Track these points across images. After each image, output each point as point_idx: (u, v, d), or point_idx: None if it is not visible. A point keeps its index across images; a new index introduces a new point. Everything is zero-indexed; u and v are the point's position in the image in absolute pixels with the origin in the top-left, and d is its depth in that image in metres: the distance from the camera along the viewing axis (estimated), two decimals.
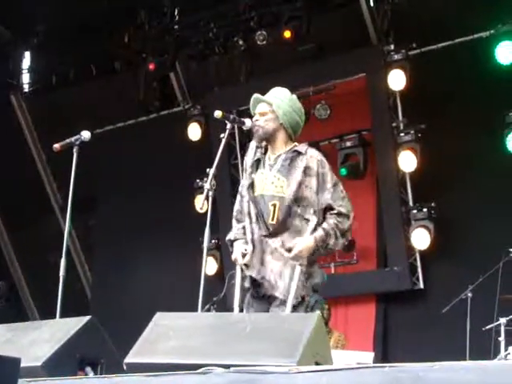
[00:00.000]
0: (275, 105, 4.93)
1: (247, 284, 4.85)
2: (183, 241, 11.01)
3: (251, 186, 4.91)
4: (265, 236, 4.79)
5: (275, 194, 4.82)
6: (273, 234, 4.78)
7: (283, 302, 4.68)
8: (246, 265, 4.80)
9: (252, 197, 4.88)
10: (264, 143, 4.97)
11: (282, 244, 4.76)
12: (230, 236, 5.01)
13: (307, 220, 4.78)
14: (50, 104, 12.41)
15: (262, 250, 4.78)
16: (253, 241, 4.82)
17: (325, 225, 4.78)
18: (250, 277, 4.81)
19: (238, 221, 5.00)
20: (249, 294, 4.88)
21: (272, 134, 4.91)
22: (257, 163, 4.97)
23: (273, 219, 4.79)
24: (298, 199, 4.79)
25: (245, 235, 4.90)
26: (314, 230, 4.76)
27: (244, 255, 4.81)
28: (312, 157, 4.86)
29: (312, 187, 4.80)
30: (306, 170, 4.82)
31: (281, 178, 4.84)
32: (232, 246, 4.96)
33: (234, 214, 5.05)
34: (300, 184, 4.80)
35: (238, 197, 5.06)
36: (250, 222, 4.88)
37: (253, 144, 5.05)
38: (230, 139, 9.84)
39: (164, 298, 9.95)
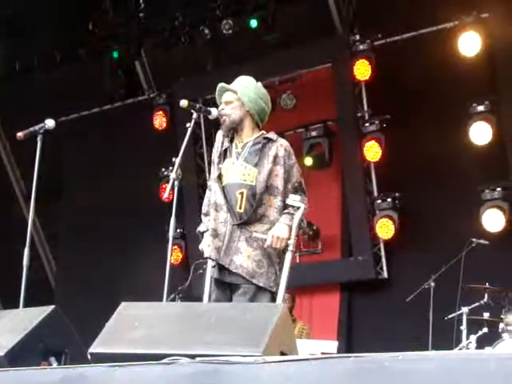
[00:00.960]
0: (240, 92, 4.93)
1: (214, 274, 4.85)
2: (148, 230, 10.97)
3: (219, 176, 4.91)
4: (237, 225, 4.79)
5: (242, 181, 4.83)
6: (245, 222, 4.79)
7: (250, 287, 4.70)
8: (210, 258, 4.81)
9: (220, 187, 4.88)
10: (231, 132, 4.96)
11: (249, 227, 4.78)
12: (201, 228, 5.03)
13: (277, 209, 4.80)
14: (14, 92, 12.25)
15: (235, 239, 4.78)
16: (225, 231, 4.82)
17: (286, 210, 4.83)
18: (218, 264, 4.81)
19: (206, 215, 5.01)
20: (213, 283, 4.88)
21: (239, 122, 4.92)
22: (224, 153, 4.96)
23: (240, 207, 4.80)
24: (268, 188, 4.81)
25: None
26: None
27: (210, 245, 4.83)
28: (282, 146, 4.89)
29: (281, 176, 4.83)
30: (276, 159, 4.84)
31: (248, 166, 4.85)
32: (202, 237, 4.98)
33: (203, 207, 5.06)
34: (270, 172, 4.81)
35: (207, 191, 5.08)
36: (220, 212, 4.87)
37: (219, 135, 5.04)
38: (195, 128, 9.79)
39: (128, 288, 9.89)
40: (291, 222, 4.76)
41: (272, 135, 4.93)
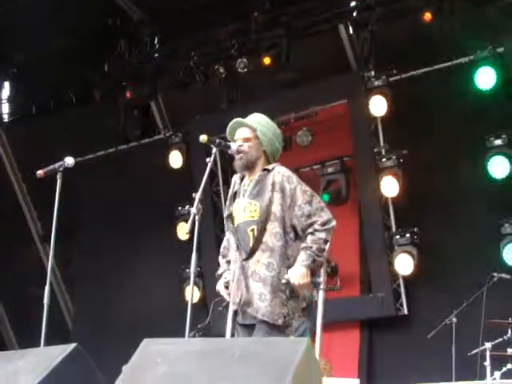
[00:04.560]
0: (260, 131, 4.90)
1: (237, 319, 4.83)
2: (164, 269, 10.96)
3: (229, 217, 4.90)
4: (244, 260, 4.76)
5: (249, 219, 4.81)
6: (250, 255, 4.75)
7: (263, 324, 4.63)
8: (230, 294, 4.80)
9: (232, 227, 4.88)
10: (245, 171, 4.93)
11: (257, 261, 4.72)
12: (219, 271, 5.03)
13: (275, 235, 4.74)
14: (30, 133, 12.34)
15: (245, 276, 4.74)
16: (235, 269, 4.79)
17: (302, 244, 4.72)
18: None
19: (224, 256, 5.02)
20: (235, 322, 4.84)
21: (254, 161, 4.90)
22: (235, 194, 4.95)
23: (253, 244, 4.76)
24: (268, 216, 4.75)
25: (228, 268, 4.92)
26: (287, 247, 4.73)
27: (227, 285, 4.83)
28: (279, 172, 4.83)
29: (278, 202, 4.76)
30: (273, 186, 4.79)
31: (253, 202, 4.83)
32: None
33: (221, 250, 5.07)
34: (269, 201, 4.76)
35: (227, 233, 5.06)
36: (232, 251, 4.89)
37: (234, 178, 5.03)
38: (212, 166, 9.79)
39: (147, 327, 9.82)
40: (309, 261, 4.66)
41: (271, 165, 4.89)
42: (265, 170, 4.88)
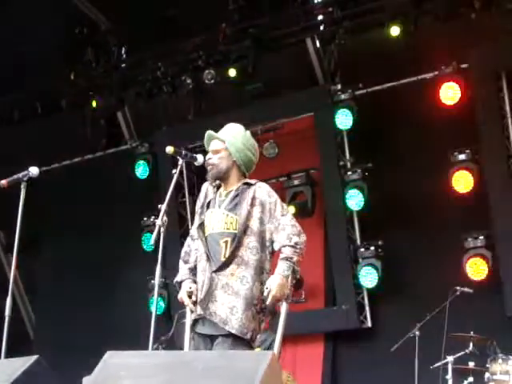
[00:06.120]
0: (228, 142, 4.92)
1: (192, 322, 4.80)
2: (129, 280, 10.90)
3: (201, 226, 4.88)
4: (215, 272, 4.74)
5: (225, 230, 4.80)
6: (222, 267, 4.74)
7: (228, 337, 4.61)
8: (194, 302, 4.76)
9: (202, 237, 4.85)
10: (217, 181, 4.95)
11: (231, 275, 4.71)
12: (178, 278, 4.98)
13: (251, 249, 4.74)
14: None
15: (213, 287, 4.73)
16: (204, 279, 4.77)
17: (282, 255, 4.73)
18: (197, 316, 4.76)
19: (185, 262, 4.98)
20: (193, 332, 4.82)
21: (225, 171, 4.91)
22: (208, 204, 4.95)
23: (224, 256, 4.76)
24: (245, 230, 4.77)
25: (193, 276, 4.88)
26: (264, 261, 4.73)
27: (190, 295, 4.78)
28: (260, 187, 4.87)
29: (256, 217, 4.78)
30: (253, 201, 4.81)
31: (229, 215, 4.82)
32: (180, 287, 4.92)
33: (182, 255, 5.03)
34: (248, 215, 4.78)
35: (188, 238, 5.05)
36: (201, 261, 4.84)
37: (205, 186, 5.03)
38: (178, 177, 9.78)
39: (110, 338, 9.75)
40: (289, 271, 4.67)
41: (252, 180, 4.93)
42: (246, 183, 4.90)
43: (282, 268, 4.69)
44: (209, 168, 4.94)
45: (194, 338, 4.79)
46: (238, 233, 4.75)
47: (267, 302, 4.65)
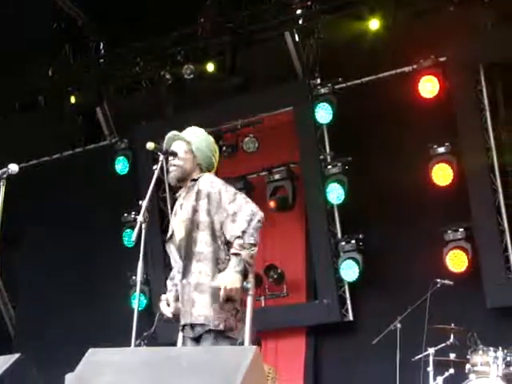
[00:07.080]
0: (195, 145, 4.88)
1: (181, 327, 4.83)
2: (110, 276, 10.87)
3: (171, 238, 4.89)
4: (181, 279, 4.75)
5: (183, 233, 4.81)
6: (185, 269, 4.73)
7: (208, 333, 4.62)
8: (174, 315, 4.80)
9: (169, 249, 4.90)
10: (178, 184, 4.91)
11: (198, 273, 4.68)
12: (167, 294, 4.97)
13: (206, 243, 4.71)
14: None
15: (188, 293, 4.72)
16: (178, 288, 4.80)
17: (232, 250, 4.66)
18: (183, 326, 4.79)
19: (171, 279, 4.98)
20: (184, 336, 4.83)
21: (189, 173, 4.87)
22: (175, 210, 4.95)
23: (181, 257, 4.79)
24: (194, 225, 4.73)
25: (174, 286, 4.90)
26: (219, 251, 4.70)
27: (168, 303, 4.83)
28: (203, 180, 4.81)
29: (204, 209, 4.73)
30: (198, 194, 4.76)
31: (183, 216, 4.83)
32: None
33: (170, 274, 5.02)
34: (194, 209, 4.74)
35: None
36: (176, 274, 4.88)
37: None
38: (159, 173, 9.76)
39: (92, 335, 9.72)
40: (240, 267, 4.61)
41: (197, 175, 4.86)
42: (192, 180, 4.86)
43: (233, 264, 4.63)
44: (172, 169, 4.86)
45: (186, 343, 4.77)
46: (187, 230, 4.72)
47: (220, 299, 4.61)
